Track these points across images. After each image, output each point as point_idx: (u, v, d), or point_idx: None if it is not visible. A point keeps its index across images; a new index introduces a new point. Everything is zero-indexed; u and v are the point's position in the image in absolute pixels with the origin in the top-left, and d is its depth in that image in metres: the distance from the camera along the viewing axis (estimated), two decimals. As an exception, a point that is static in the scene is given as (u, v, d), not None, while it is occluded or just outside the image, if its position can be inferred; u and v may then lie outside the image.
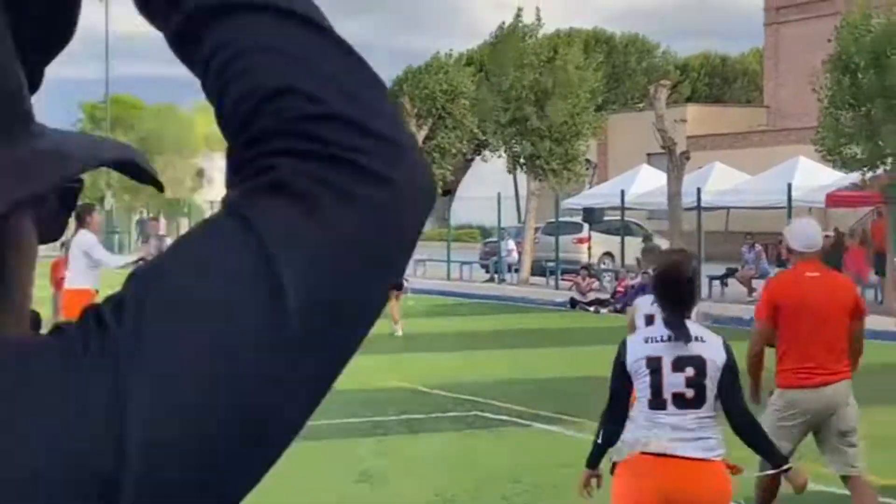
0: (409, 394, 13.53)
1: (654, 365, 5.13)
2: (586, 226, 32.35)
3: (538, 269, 31.99)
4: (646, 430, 5.13)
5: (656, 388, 5.12)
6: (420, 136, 36.43)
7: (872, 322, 20.95)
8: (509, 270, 33.24)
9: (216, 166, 67.62)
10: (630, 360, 5.19)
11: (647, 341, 5.22)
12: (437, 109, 36.76)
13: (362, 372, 15.02)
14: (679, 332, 5.15)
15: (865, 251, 24.15)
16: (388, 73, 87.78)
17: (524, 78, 30.73)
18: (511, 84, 30.86)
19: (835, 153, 21.93)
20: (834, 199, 26.72)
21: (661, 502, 5.08)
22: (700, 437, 5.10)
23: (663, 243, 30.32)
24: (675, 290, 5.31)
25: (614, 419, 5.26)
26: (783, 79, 52.70)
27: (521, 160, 31.78)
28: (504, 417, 11.72)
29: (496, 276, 33.45)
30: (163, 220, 53.94)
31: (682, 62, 73.75)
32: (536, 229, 32.96)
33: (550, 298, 27.88)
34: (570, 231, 33.28)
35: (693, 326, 5.27)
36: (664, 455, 5.08)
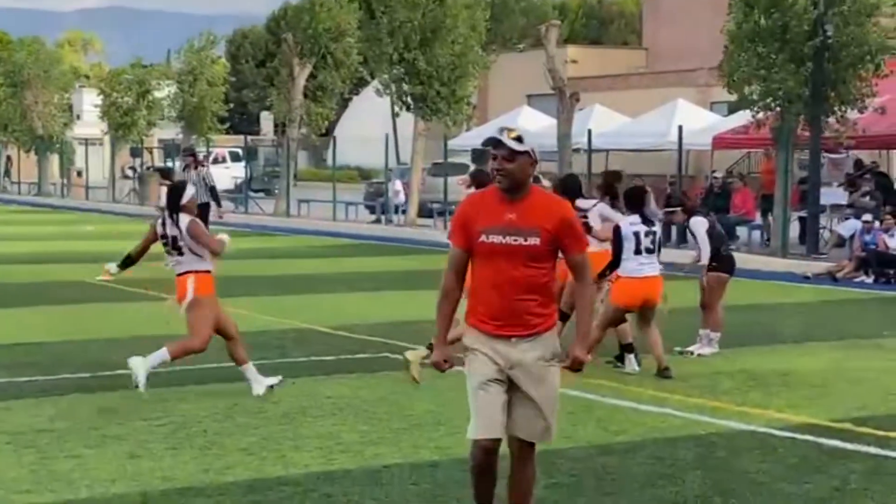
0: (313, 335, 13.40)
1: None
2: (472, 167, 32.32)
3: (425, 211, 31.95)
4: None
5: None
6: (303, 75, 35.88)
7: (763, 263, 21.45)
8: (396, 211, 33.14)
9: (85, 101, 65.91)
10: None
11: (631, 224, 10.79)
12: (320, 48, 36.20)
13: (262, 312, 14.91)
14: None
15: (751, 192, 24.66)
16: (264, 9, 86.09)
17: (413, 17, 30.37)
18: (400, 23, 30.49)
19: (737, 91, 22.21)
20: (720, 142, 27.15)
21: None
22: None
23: (548, 185, 30.59)
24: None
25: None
26: (662, 21, 53.22)
27: (409, 100, 31.54)
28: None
29: (383, 216, 33.34)
30: None
31: (560, 3, 74.03)
32: (422, 170, 32.85)
33: (439, 240, 27.82)
34: (456, 172, 33.25)
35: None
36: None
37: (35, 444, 8.04)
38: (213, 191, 20.50)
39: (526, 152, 5.62)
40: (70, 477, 7.25)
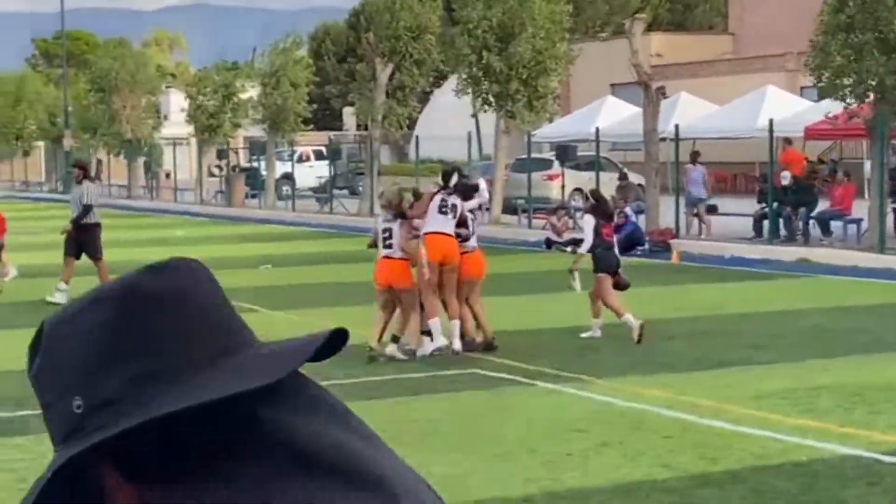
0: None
1: None
2: (556, 162, 31.99)
3: (509, 208, 31.63)
4: None
5: None
6: (385, 74, 35.75)
7: (860, 260, 20.81)
8: (480, 209, 32.86)
9: (172, 102, 66.67)
10: None
11: None
12: (401, 48, 36.03)
13: (351, 324, 14.73)
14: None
15: (853, 187, 24.00)
16: (345, 2, 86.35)
17: (492, 15, 29.97)
18: (477, 23, 30.10)
19: (827, 82, 21.58)
20: (812, 133, 26.54)
21: None
22: None
23: (637, 178, 30.07)
24: None
25: None
26: (748, 4, 52.28)
27: (490, 98, 31.18)
28: (504, 376, 11.43)
29: (467, 214, 33.08)
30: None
31: (643, -11, 73.02)
32: (506, 166, 32.54)
33: (524, 238, 27.58)
34: (540, 167, 32.93)
35: None
36: None
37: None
38: (85, 208, 17.89)
39: None
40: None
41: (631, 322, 13.02)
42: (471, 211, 13.30)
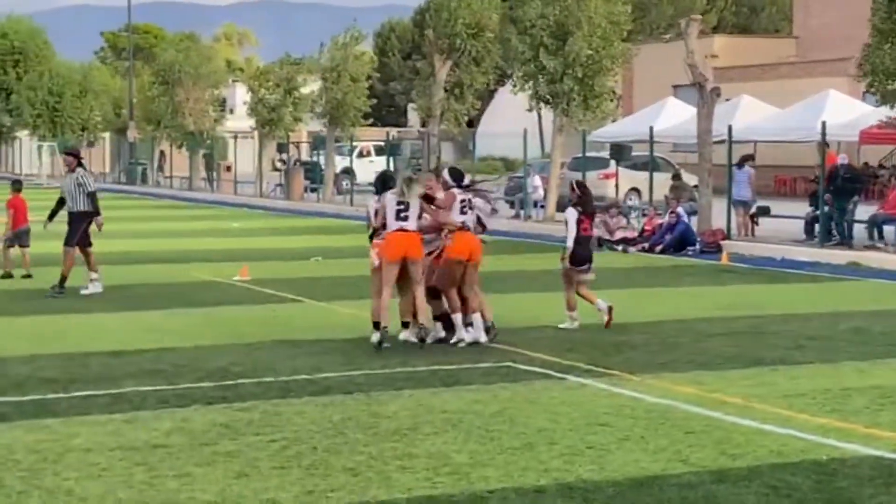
0: (436, 341, 13.29)
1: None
2: (613, 161, 31.91)
3: (564, 205, 31.60)
4: None
5: None
6: (444, 71, 35.89)
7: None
8: (535, 206, 32.91)
9: (237, 96, 67.30)
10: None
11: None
12: (461, 44, 36.13)
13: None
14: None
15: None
16: (413, 0, 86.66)
17: (549, 13, 29.93)
18: (533, 22, 30.09)
19: (878, 87, 21.38)
20: (867, 137, 26.27)
21: None
22: None
23: (691, 179, 29.93)
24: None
25: None
26: (813, 8, 51.75)
27: (546, 97, 31.17)
28: (537, 369, 11.49)
29: (521, 212, 33.13)
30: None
31: (709, -9, 72.46)
32: (562, 164, 32.54)
33: (577, 236, 27.53)
34: (596, 166, 32.89)
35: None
36: None
37: (147, 462, 8.11)
38: (91, 197, 17.55)
39: None
40: (175, 499, 7.29)
41: (572, 316, 13.93)
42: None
